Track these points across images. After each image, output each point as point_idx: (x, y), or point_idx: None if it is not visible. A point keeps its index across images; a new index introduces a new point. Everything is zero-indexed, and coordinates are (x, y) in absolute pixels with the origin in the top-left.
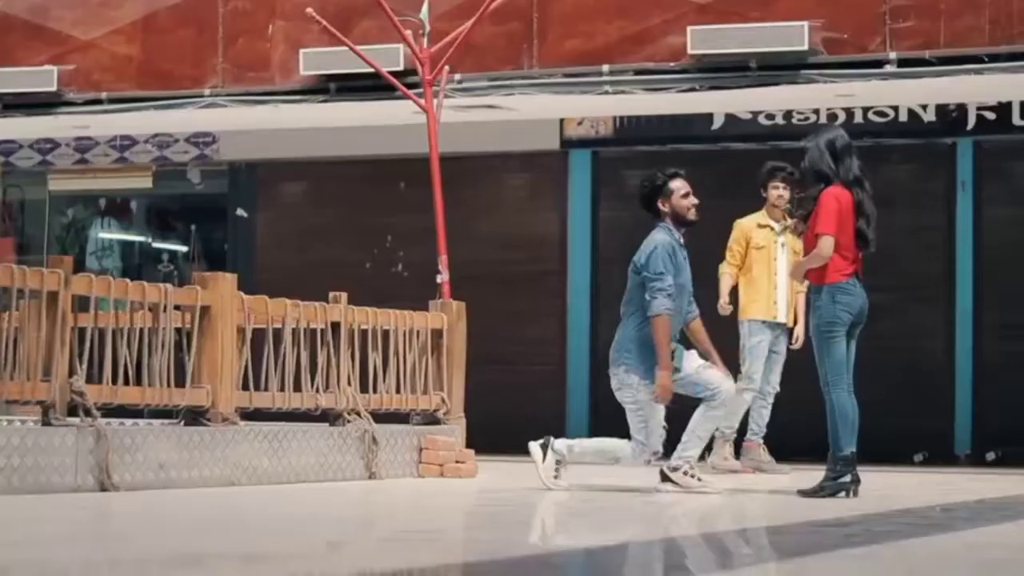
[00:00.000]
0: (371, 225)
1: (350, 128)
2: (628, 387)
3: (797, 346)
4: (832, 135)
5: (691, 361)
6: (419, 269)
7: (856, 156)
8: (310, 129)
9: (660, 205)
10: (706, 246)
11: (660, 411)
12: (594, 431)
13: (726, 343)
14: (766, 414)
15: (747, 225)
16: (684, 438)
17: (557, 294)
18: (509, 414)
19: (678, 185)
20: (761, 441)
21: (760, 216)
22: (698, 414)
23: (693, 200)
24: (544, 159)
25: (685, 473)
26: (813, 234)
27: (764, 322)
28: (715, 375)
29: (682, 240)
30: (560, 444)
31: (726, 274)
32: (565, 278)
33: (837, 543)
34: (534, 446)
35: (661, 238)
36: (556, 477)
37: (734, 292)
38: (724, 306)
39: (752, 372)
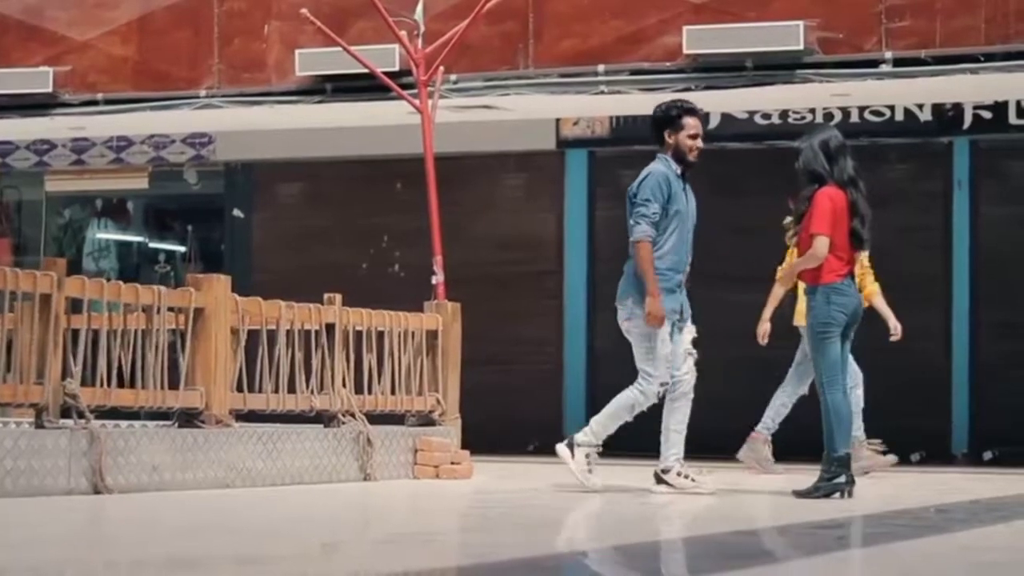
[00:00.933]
0: (367, 225)
1: (346, 128)
2: (636, 317)
3: (898, 336)
4: (826, 136)
5: (683, 339)
6: (416, 270)
7: (850, 156)
8: (306, 129)
9: (666, 136)
10: (705, 246)
11: (666, 342)
12: None
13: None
14: (784, 412)
15: None
16: (662, 439)
17: (554, 294)
18: (506, 414)
19: (690, 123)
20: (768, 437)
21: None
22: (665, 412)
23: (699, 143)
24: (540, 159)
25: (678, 474)
26: (808, 234)
27: None
28: (686, 366)
29: (680, 171)
30: (581, 436)
31: (780, 283)
32: (561, 278)
33: (829, 545)
34: (561, 448)
35: (655, 167)
36: (590, 471)
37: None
38: (764, 336)
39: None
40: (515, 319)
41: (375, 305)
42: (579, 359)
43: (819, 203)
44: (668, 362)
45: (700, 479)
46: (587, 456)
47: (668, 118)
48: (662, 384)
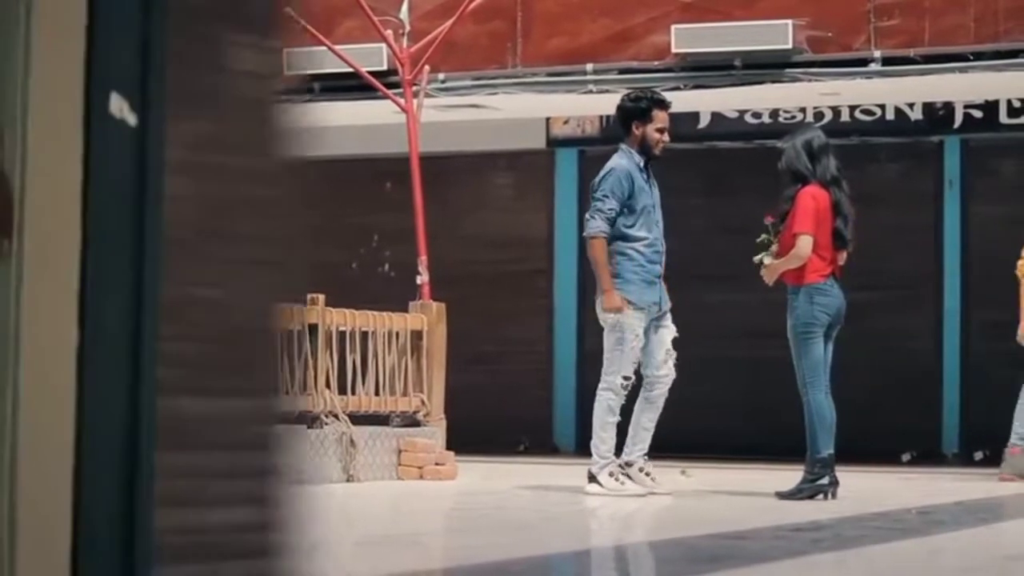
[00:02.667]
0: (357, 225)
1: (335, 127)
2: None
3: None
4: (809, 136)
5: (664, 337)
6: (406, 269)
7: (834, 156)
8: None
9: (634, 127)
10: (698, 245)
11: (639, 336)
12: (581, 429)
13: None
14: None
15: None
16: (631, 433)
17: (543, 293)
18: (496, 414)
19: (660, 116)
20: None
21: None
22: (637, 407)
23: (666, 137)
24: (530, 158)
25: (640, 469)
26: (791, 234)
27: None
28: (666, 367)
29: (642, 165)
30: (595, 467)
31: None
32: (551, 277)
33: (803, 548)
34: (588, 488)
35: (618, 163)
36: (623, 483)
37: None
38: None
39: None
40: (505, 318)
41: (365, 304)
42: (569, 358)
43: (802, 202)
44: (635, 355)
45: (660, 480)
46: (611, 475)
47: (638, 110)
48: (624, 377)
